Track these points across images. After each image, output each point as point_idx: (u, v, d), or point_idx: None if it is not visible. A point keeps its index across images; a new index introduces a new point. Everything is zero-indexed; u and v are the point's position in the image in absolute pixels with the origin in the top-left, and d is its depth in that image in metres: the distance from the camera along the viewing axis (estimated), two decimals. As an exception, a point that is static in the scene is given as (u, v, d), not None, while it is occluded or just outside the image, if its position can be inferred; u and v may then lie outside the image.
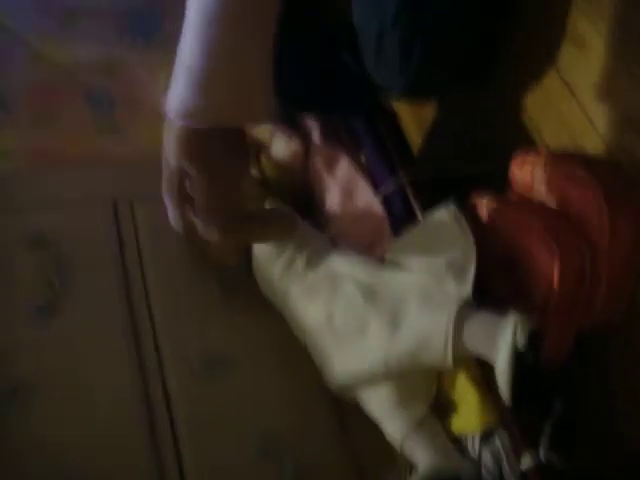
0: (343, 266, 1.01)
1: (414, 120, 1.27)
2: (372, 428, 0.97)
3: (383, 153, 1.10)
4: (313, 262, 1.02)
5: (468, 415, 0.90)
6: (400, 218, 1.05)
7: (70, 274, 1.07)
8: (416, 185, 1.05)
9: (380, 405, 0.95)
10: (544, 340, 0.81)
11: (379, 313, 0.93)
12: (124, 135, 1.45)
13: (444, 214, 0.96)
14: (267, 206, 1.10)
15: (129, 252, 1.13)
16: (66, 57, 1.36)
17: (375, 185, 1.09)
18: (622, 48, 0.86)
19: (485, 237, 0.92)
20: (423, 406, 0.93)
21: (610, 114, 0.89)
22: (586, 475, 0.88)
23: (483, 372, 0.89)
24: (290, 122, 1.19)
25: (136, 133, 1.46)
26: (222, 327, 1.07)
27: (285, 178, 1.18)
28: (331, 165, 1.14)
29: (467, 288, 0.89)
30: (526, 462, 0.85)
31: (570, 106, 0.95)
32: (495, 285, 0.92)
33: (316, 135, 1.16)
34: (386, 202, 1.06)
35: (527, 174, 0.94)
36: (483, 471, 0.89)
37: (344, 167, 1.13)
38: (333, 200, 1.14)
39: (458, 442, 0.92)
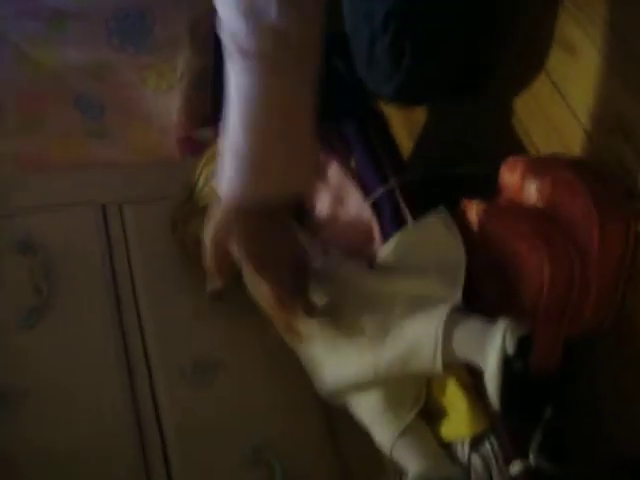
0: (332, 271, 1.00)
1: (404, 125, 1.27)
2: (361, 434, 0.96)
3: (373, 158, 1.10)
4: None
5: (458, 421, 0.90)
6: (390, 223, 1.04)
7: (58, 279, 1.07)
8: (406, 190, 1.05)
9: (369, 411, 0.95)
10: (533, 346, 0.81)
11: (369, 318, 0.93)
12: (113, 139, 1.45)
13: (434, 219, 0.96)
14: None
15: (118, 256, 1.12)
16: (55, 61, 1.36)
17: (365, 190, 1.08)
18: (611, 53, 0.87)
19: (475, 242, 0.92)
20: (412, 412, 0.93)
21: (599, 118, 0.89)
22: (575, 479, 0.88)
23: (473, 378, 0.89)
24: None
25: (125, 137, 1.46)
26: (211, 332, 1.07)
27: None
28: (322, 171, 1.14)
29: (457, 293, 0.89)
30: (516, 467, 0.85)
31: (560, 110, 0.95)
32: (485, 290, 0.92)
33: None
34: (376, 207, 1.05)
35: (517, 179, 0.94)
36: (473, 476, 0.89)
37: (335, 173, 1.12)
38: (323, 205, 1.13)
39: (448, 448, 0.92)
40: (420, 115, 1.23)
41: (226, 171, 0.85)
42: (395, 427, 0.93)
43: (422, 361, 0.87)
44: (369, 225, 1.06)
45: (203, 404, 1.00)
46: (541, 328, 0.85)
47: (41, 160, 1.42)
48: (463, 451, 0.90)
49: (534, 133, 1.01)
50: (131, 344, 1.04)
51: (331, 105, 1.18)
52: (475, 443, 0.89)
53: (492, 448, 0.88)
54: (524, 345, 0.80)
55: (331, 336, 0.95)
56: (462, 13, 0.99)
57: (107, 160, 1.44)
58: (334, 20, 1.01)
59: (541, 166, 0.91)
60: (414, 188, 1.06)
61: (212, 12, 0.85)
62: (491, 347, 0.80)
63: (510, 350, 0.79)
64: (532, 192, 0.91)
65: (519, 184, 0.94)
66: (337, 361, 0.95)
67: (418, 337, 0.87)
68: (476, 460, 0.88)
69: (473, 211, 0.95)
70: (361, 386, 0.94)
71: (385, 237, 1.04)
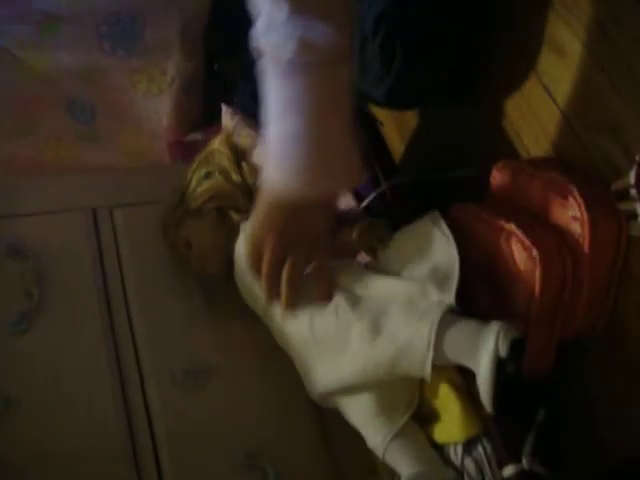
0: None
1: (396, 128, 1.27)
2: (354, 436, 0.96)
3: (365, 161, 1.10)
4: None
5: (451, 424, 0.90)
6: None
7: (49, 283, 1.06)
8: (398, 193, 1.05)
9: (362, 413, 0.95)
10: (526, 349, 0.81)
11: (361, 320, 0.92)
12: (104, 143, 1.45)
13: (428, 222, 0.96)
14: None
15: (109, 260, 1.12)
16: (46, 65, 1.36)
17: (357, 193, 1.08)
18: (601, 54, 0.87)
19: (466, 244, 0.92)
20: (405, 415, 0.93)
21: (590, 120, 0.89)
22: (569, 481, 0.88)
23: (465, 381, 0.89)
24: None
25: (116, 141, 1.46)
26: (203, 336, 1.07)
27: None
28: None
29: (450, 296, 0.89)
30: (509, 471, 0.85)
31: (550, 112, 0.95)
32: (477, 293, 0.92)
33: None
34: (368, 210, 1.05)
35: (508, 181, 0.94)
36: (466, 479, 0.89)
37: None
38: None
39: (441, 451, 0.92)
40: (411, 118, 1.23)
41: (274, 175, 0.89)
42: (388, 430, 0.92)
43: (413, 363, 0.87)
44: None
45: (195, 408, 1.00)
46: (533, 331, 0.85)
47: (32, 164, 1.41)
48: (456, 454, 0.90)
49: (525, 135, 1.01)
50: (122, 349, 1.04)
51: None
52: (468, 446, 0.89)
53: (485, 451, 0.88)
54: (517, 348, 0.80)
55: (322, 337, 0.95)
56: (453, 17, 0.99)
57: (98, 164, 1.44)
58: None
59: (532, 168, 0.91)
60: (406, 191, 1.06)
61: (202, 16, 0.85)
62: (484, 350, 0.80)
63: (503, 353, 0.79)
64: (523, 194, 0.92)
65: (510, 186, 0.94)
66: (329, 363, 0.95)
67: (410, 339, 0.86)
68: (469, 463, 0.88)
69: (464, 213, 0.95)
70: (352, 388, 0.94)
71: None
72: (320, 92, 0.85)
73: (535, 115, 0.98)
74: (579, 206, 0.84)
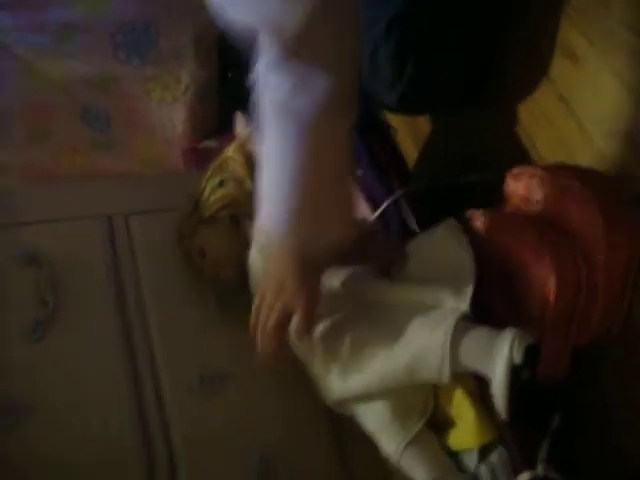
0: (339, 281, 1.00)
1: (409, 134, 1.27)
2: (368, 443, 0.96)
3: (378, 168, 1.10)
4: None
5: (465, 431, 0.90)
6: (397, 234, 1.04)
7: (64, 291, 1.07)
8: (412, 200, 1.05)
9: (376, 420, 0.95)
10: (541, 355, 0.81)
11: (376, 327, 0.92)
12: (119, 150, 1.46)
13: (443, 229, 0.96)
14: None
15: (124, 268, 1.12)
16: (61, 73, 1.37)
17: (371, 201, 1.09)
18: (614, 60, 0.87)
19: (481, 251, 0.92)
20: (420, 422, 0.93)
21: (604, 126, 0.89)
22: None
23: (480, 387, 0.89)
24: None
25: (131, 148, 1.46)
26: (219, 343, 1.07)
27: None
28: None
29: (465, 303, 0.88)
30: (524, 478, 0.85)
31: (565, 119, 0.95)
32: (492, 300, 0.92)
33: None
34: (382, 217, 1.05)
35: (523, 187, 0.94)
36: (481, 486, 0.88)
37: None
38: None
39: (455, 458, 0.92)
40: (424, 125, 1.23)
41: (274, 229, 0.87)
42: (402, 437, 0.92)
43: (429, 370, 0.86)
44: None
45: (211, 415, 1.00)
46: (548, 337, 0.85)
47: (47, 172, 1.42)
48: (471, 461, 0.89)
49: (539, 141, 1.01)
50: (138, 356, 1.04)
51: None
52: (483, 453, 0.89)
53: (500, 458, 0.87)
54: (531, 354, 0.79)
55: (338, 345, 0.95)
56: (465, 22, 0.99)
57: (113, 171, 1.45)
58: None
59: (546, 174, 0.91)
60: (420, 198, 1.06)
61: (216, 24, 0.85)
62: (498, 356, 0.80)
63: (517, 359, 0.79)
64: (538, 201, 0.91)
65: (525, 193, 0.94)
66: (344, 370, 0.95)
67: (426, 346, 0.86)
68: (484, 470, 0.88)
69: (479, 221, 0.95)
70: (368, 396, 0.94)
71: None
72: (311, 141, 0.83)
73: (548, 121, 0.98)
74: (593, 212, 0.83)
